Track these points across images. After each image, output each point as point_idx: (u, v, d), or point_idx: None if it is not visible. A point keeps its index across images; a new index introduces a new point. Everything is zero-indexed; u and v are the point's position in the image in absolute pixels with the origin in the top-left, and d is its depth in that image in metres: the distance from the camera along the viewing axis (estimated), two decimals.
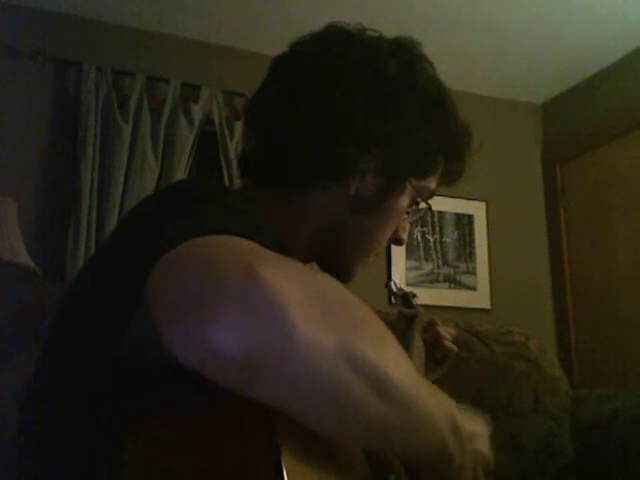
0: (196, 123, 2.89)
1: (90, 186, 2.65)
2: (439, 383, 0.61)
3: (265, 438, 0.46)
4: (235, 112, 2.98)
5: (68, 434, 0.57)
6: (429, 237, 3.31)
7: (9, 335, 1.47)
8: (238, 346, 0.42)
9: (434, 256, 3.31)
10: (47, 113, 2.77)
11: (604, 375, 3.06)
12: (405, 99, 0.79)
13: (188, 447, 0.48)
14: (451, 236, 3.36)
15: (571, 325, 3.32)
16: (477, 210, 3.40)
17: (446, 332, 1.21)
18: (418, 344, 1.14)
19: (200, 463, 0.47)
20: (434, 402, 0.56)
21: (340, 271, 0.85)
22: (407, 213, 0.86)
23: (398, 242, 0.89)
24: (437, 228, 3.34)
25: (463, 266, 3.35)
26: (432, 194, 0.87)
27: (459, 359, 1.23)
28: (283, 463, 0.44)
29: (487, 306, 3.30)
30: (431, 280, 3.27)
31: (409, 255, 3.24)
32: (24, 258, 2.15)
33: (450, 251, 3.35)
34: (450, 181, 0.89)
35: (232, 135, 2.93)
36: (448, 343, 1.19)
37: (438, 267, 3.30)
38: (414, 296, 1.31)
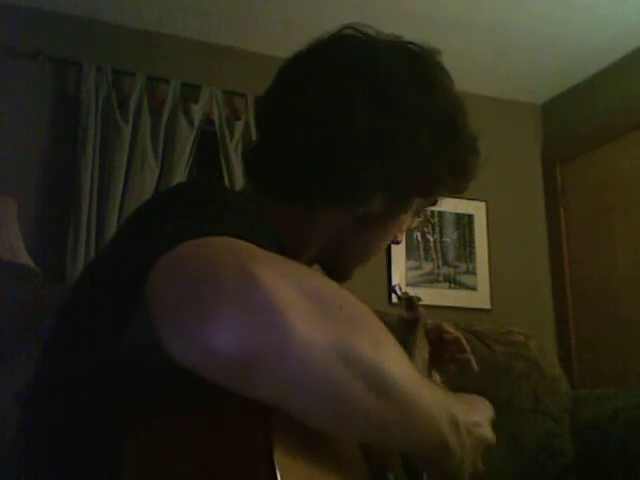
0: (196, 123, 2.89)
1: (90, 186, 2.65)
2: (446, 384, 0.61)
3: (261, 437, 0.46)
4: (235, 112, 2.98)
5: (68, 434, 0.57)
6: (429, 237, 3.31)
7: (9, 335, 1.47)
8: (235, 346, 0.42)
9: (434, 256, 3.31)
10: (47, 113, 2.77)
11: (604, 375, 3.06)
12: (415, 117, 0.77)
13: (188, 447, 0.48)
14: (451, 236, 3.36)
15: (571, 325, 3.33)
16: (477, 210, 3.40)
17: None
18: (421, 346, 1.14)
19: (200, 463, 0.47)
20: (432, 397, 0.56)
21: (338, 273, 0.85)
22: (410, 221, 0.87)
23: (396, 242, 0.90)
24: (437, 228, 3.34)
25: (463, 266, 3.35)
26: (434, 202, 0.87)
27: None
28: (277, 462, 0.45)
29: (487, 306, 3.30)
30: (431, 280, 3.27)
31: (409, 255, 3.24)
32: (24, 258, 2.15)
33: (450, 251, 3.35)
34: (456, 193, 0.88)
35: (232, 135, 2.93)
36: (474, 364, 1.19)
37: (438, 267, 3.30)
38: (419, 300, 1.31)
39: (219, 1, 2.80)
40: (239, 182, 2.83)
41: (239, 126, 2.96)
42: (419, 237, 3.29)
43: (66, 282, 2.49)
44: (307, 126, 0.77)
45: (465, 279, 3.33)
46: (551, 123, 3.62)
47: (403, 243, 2.58)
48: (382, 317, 0.54)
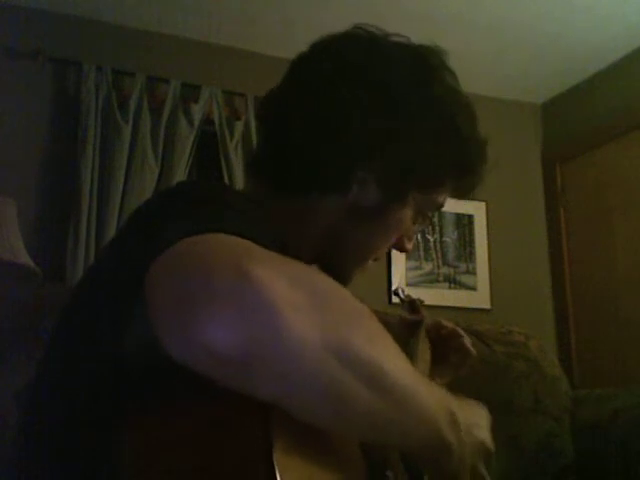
0: (196, 123, 2.89)
1: (90, 186, 2.65)
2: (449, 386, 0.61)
3: (260, 436, 0.46)
4: (235, 112, 2.98)
5: (68, 434, 0.57)
6: (429, 237, 3.31)
7: (9, 335, 1.47)
8: (230, 343, 0.43)
9: (434, 256, 3.31)
10: (47, 113, 2.77)
11: (604, 375, 3.06)
12: (414, 113, 0.78)
13: (187, 447, 0.48)
14: (451, 236, 3.36)
15: (571, 325, 3.33)
16: (477, 210, 3.40)
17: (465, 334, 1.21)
18: (423, 349, 1.14)
19: (199, 462, 0.47)
20: (430, 395, 0.56)
21: (337, 274, 0.85)
22: (414, 224, 0.85)
23: (402, 250, 0.88)
24: (437, 228, 3.34)
25: (463, 266, 3.35)
26: (439, 207, 0.85)
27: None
28: (276, 461, 0.45)
29: (487, 306, 3.30)
30: (431, 280, 3.27)
31: (409, 255, 3.23)
32: (24, 258, 2.15)
33: (450, 251, 3.35)
34: (462, 195, 0.87)
35: (232, 135, 2.93)
36: (469, 346, 1.19)
37: (438, 267, 3.30)
38: (422, 302, 1.31)
39: (219, 1, 2.80)
40: (239, 182, 2.83)
41: (239, 126, 2.95)
42: (419, 237, 3.28)
43: (66, 282, 2.49)
44: (307, 124, 0.78)
45: (465, 279, 3.33)
46: (551, 123, 3.62)
47: None
48: (382, 317, 0.54)
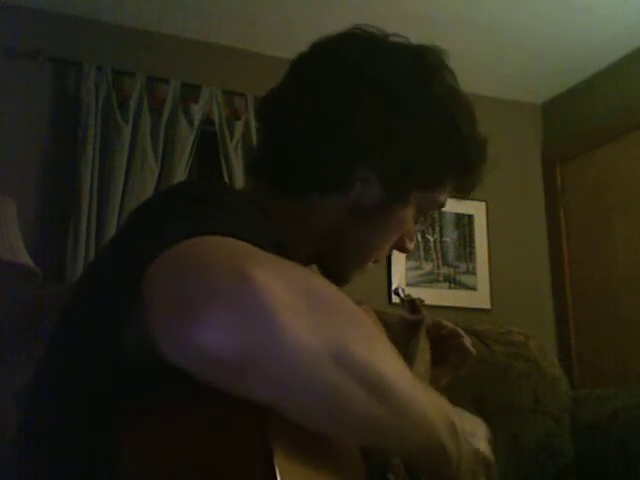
0: (196, 123, 2.89)
1: (90, 186, 2.65)
2: (448, 387, 0.61)
3: (261, 437, 0.46)
4: (235, 112, 2.98)
5: (68, 434, 0.57)
6: (429, 237, 3.31)
7: (9, 335, 1.47)
8: (227, 346, 0.42)
9: (434, 256, 3.31)
10: (47, 113, 2.77)
11: (604, 375, 3.06)
12: (415, 113, 0.78)
13: (187, 447, 0.48)
14: (451, 236, 3.36)
15: (571, 325, 3.33)
16: (477, 210, 3.40)
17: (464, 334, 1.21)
18: (424, 349, 1.14)
19: (199, 463, 0.47)
20: (429, 401, 0.56)
21: (337, 275, 0.85)
22: (415, 223, 0.85)
23: (403, 250, 0.88)
24: (437, 228, 3.34)
25: (463, 266, 3.35)
26: (440, 206, 0.85)
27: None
28: (276, 462, 0.45)
29: (487, 306, 3.30)
30: (431, 280, 3.27)
31: (409, 255, 3.23)
32: (24, 258, 2.15)
33: (450, 251, 3.35)
34: (462, 194, 0.87)
35: (232, 135, 2.93)
36: (469, 345, 1.19)
37: (438, 267, 3.30)
38: (422, 302, 1.31)
39: (219, 1, 2.80)
40: (239, 182, 2.83)
41: (239, 126, 2.95)
42: (419, 237, 3.28)
43: (66, 282, 2.49)
44: (308, 124, 0.78)
45: (465, 279, 3.33)
46: (551, 123, 3.62)
47: None
48: (382, 317, 0.54)
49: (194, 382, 0.45)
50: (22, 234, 2.23)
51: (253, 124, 2.93)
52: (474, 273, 3.35)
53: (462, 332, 1.20)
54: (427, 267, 3.28)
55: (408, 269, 3.23)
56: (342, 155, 0.77)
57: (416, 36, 0.83)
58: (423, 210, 0.84)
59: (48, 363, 0.64)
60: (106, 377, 0.55)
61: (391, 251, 0.88)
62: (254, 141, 2.91)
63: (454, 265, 3.33)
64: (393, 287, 3.02)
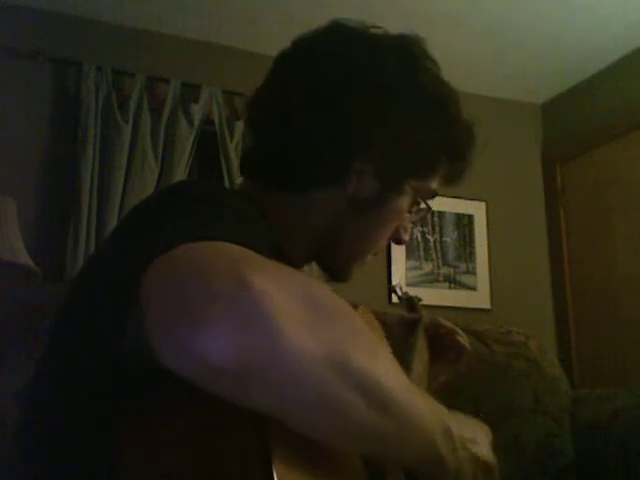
0: (196, 123, 2.89)
1: (90, 186, 2.65)
2: (447, 384, 0.61)
3: (260, 438, 0.46)
4: (235, 112, 2.98)
5: (68, 434, 0.57)
6: (429, 237, 3.31)
7: (9, 335, 1.47)
8: (227, 354, 0.42)
9: (434, 256, 3.31)
10: (47, 113, 2.77)
11: (604, 375, 3.06)
12: (404, 100, 0.78)
13: (187, 447, 0.48)
14: (451, 236, 3.36)
15: (571, 325, 3.32)
16: (477, 210, 3.40)
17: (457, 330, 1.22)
18: (421, 348, 1.14)
19: (199, 463, 0.47)
20: (426, 409, 0.56)
21: (338, 270, 0.85)
22: (409, 213, 0.86)
23: (399, 242, 0.89)
24: (437, 228, 3.34)
25: (463, 266, 3.35)
26: (434, 194, 0.86)
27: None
28: (275, 464, 0.45)
29: (487, 306, 3.30)
30: (431, 280, 3.27)
31: (409, 255, 3.24)
32: (24, 258, 2.15)
33: (450, 251, 3.35)
34: (452, 181, 0.88)
35: (232, 135, 2.93)
36: (463, 341, 1.19)
37: (438, 267, 3.30)
38: (419, 300, 1.31)
39: (219, 1, 2.80)
40: (239, 182, 2.83)
41: (239, 126, 2.96)
42: (419, 237, 3.28)
43: (66, 282, 2.49)
44: (300, 121, 0.78)
45: (465, 279, 3.33)
46: (551, 123, 3.62)
47: None
48: (382, 317, 0.54)
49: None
50: (22, 234, 2.23)
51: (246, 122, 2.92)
52: (474, 273, 3.35)
53: (458, 329, 1.20)
54: (427, 267, 3.28)
55: (408, 269, 3.23)
56: (338, 148, 0.77)
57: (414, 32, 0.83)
58: (417, 199, 0.84)
59: (48, 363, 0.64)
60: (106, 377, 0.55)
61: (389, 243, 0.88)
62: (252, 141, 2.90)
63: (454, 265, 3.33)
64: (392, 284, 3.02)
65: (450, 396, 0.63)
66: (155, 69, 2.91)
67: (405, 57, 0.80)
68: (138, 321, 0.46)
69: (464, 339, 1.20)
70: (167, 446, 0.49)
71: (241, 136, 2.95)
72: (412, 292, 1.38)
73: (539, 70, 3.32)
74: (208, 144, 2.94)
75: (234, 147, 2.92)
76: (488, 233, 3.40)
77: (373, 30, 0.83)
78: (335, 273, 0.85)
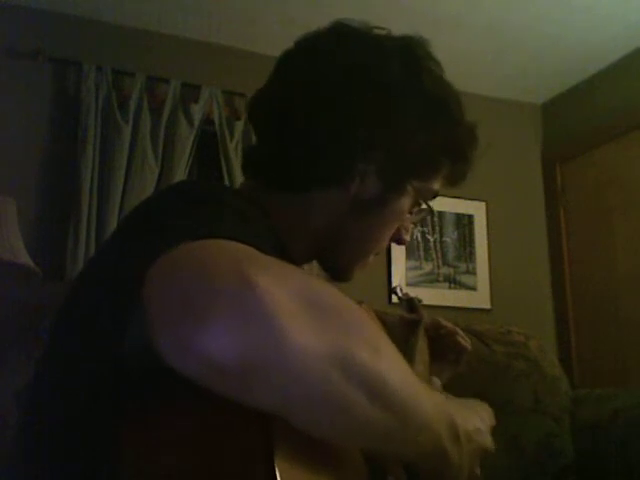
0: (196, 123, 2.89)
1: (90, 186, 2.65)
2: (448, 385, 0.61)
3: (262, 437, 0.46)
4: (235, 112, 2.98)
5: (68, 434, 0.57)
6: (429, 237, 3.31)
7: (9, 335, 1.47)
8: (229, 353, 0.42)
9: (434, 256, 3.31)
10: (47, 113, 2.77)
11: (604, 375, 3.06)
12: (408, 101, 0.79)
13: (188, 447, 0.48)
14: (451, 236, 3.36)
15: (571, 325, 3.33)
16: (477, 210, 3.40)
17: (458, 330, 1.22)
18: (422, 349, 1.14)
19: (199, 463, 0.47)
20: (432, 405, 0.56)
21: (339, 270, 0.85)
22: (410, 214, 0.86)
23: (400, 242, 0.89)
24: (437, 228, 3.34)
25: (463, 266, 3.35)
26: (435, 195, 0.86)
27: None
28: (277, 463, 0.45)
29: (487, 306, 3.30)
30: (431, 280, 3.27)
31: (409, 255, 3.24)
32: (24, 258, 2.15)
33: (450, 251, 3.35)
34: (454, 182, 0.88)
35: (232, 135, 2.93)
36: (463, 342, 1.19)
37: (438, 267, 3.30)
38: (420, 301, 1.31)
39: (219, 1, 2.80)
40: (239, 182, 2.83)
41: (239, 126, 2.96)
42: (419, 237, 3.28)
43: (66, 282, 2.49)
44: (304, 122, 0.78)
45: (465, 279, 3.33)
46: (551, 123, 3.62)
47: None
48: (382, 317, 0.54)
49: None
50: (22, 234, 2.23)
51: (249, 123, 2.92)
52: (474, 273, 3.35)
53: (458, 329, 1.21)
54: (427, 267, 3.28)
55: (408, 269, 3.23)
56: (342, 149, 0.77)
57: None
58: (419, 199, 0.85)
59: (48, 363, 0.64)
60: (106, 377, 0.55)
61: (390, 243, 0.88)
62: (254, 140, 2.90)
63: (454, 265, 3.33)
64: (392, 286, 3.02)
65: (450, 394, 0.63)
66: (155, 69, 2.91)
67: (408, 58, 0.80)
68: (140, 321, 0.46)
69: (465, 340, 1.20)
70: (167, 446, 0.49)
71: (241, 136, 2.95)
72: (412, 292, 1.38)
73: (539, 70, 3.33)
74: (208, 144, 2.94)
75: (234, 147, 2.92)
76: (488, 233, 3.40)
77: (376, 31, 0.83)
78: (336, 273, 0.85)
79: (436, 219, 3.33)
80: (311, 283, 0.49)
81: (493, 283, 3.34)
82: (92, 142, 2.69)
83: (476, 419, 0.68)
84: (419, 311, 1.27)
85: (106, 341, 0.56)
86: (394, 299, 2.75)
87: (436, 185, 0.85)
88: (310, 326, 0.45)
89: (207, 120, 2.94)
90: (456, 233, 3.37)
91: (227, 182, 2.88)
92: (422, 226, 3.28)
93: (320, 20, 0.84)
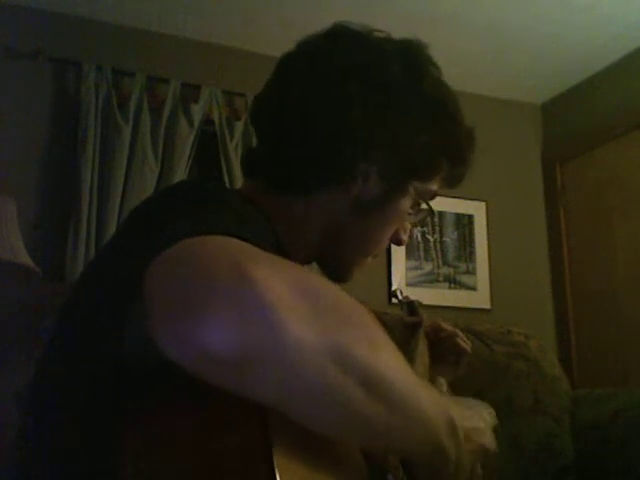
0: (196, 123, 2.89)
1: (90, 186, 2.65)
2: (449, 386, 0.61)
3: (261, 437, 0.46)
4: (235, 112, 2.98)
5: (68, 434, 0.57)
6: (429, 237, 3.31)
7: (9, 335, 1.47)
8: (229, 345, 0.42)
9: (434, 256, 3.31)
10: (47, 113, 2.77)
11: (604, 375, 3.06)
12: (409, 103, 0.79)
13: (187, 446, 0.48)
14: (451, 236, 3.36)
15: (571, 325, 3.32)
16: (477, 210, 3.40)
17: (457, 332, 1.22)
18: (422, 351, 1.14)
19: (200, 462, 0.47)
20: (430, 401, 0.56)
21: (338, 271, 0.85)
22: (409, 214, 0.86)
23: (399, 243, 0.89)
24: (437, 228, 3.34)
25: (463, 266, 3.35)
26: (434, 195, 0.87)
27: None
28: (276, 462, 0.45)
29: (487, 306, 3.30)
30: (431, 280, 3.27)
31: (409, 255, 3.24)
32: (24, 258, 2.15)
33: (450, 251, 3.35)
34: (452, 183, 0.88)
35: (232, 135, 2.93)
36: (463, 344, 1.19)
37: (438, 267, 3.30)
38: (420, 304, 1.31)
39: (219, 1, 2.80)
40: (239, 182, 2.83)
41: (239, 126, 2.95)
42: (419, 237, 3.28)
43: (66, 282, 2.49)
44: (307, 123, 0.78)
45: (465, 279, 3.33)
46: (551, 123, 3.62)
47: None
48: (381, 317, 0.54)
49: (194, 382, 0.45)
50: (22, 234, 2.23)
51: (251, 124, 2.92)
52: (474, 273, 3.35)
53: (458, 331, 1.21)
54: (427, 267, 3.28)
55: (408, 269, 3.23)
56: (344, 149, 0.77)
57: (415, 36, 0.84)
58: (418, 200, 0.85)
59: (48, 363, 0.64)
60: (106, 377, 0.55)
61: (389, 244, 0.88)
62: (254, 141, 2.90)
63: (454, 265, 3.33)
64: (392, 289, 3.02)
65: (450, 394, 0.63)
66: (155, 69, 2.91)
67: (409, 60, 0.81)
68: (139, 320, 0.46)
69: (465, 342, 1.20)
70: (167, 446, 0.49)
71: (241, 136, 2.95)
72: (412, 292, 1.38)
73: (539, 70, 3.32)
74: (208, 144, 2.94)
75: (234, 147, 2.92)
76: (488, 233, 3.40)
77: (376, 34, 0.83)
78: (336, 274, 0.85)
79: (436, 219, 3.33)
80: (309, 278, 0.49)
81: (493, 283, 3.34)
82: (92, 142, 2.69)
83: (476, 418, 0.68)
84: (419, 314, 1.27)
85: (106, 341, 0.56)
86: (394, 300, 2.75)
87: (435, 186, 0.86)
88: (307, 320, 0.45)
89: (207, 120, 2.94)
90: (456, 233, 3.37)
91: (227, 182, 2.88)
92: (422, 226, 3.28)
93: (320, 20, 0.84)
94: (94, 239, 2.60)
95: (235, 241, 0.50)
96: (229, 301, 0.43)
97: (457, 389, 0.93)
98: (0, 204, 2.15)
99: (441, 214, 3.33)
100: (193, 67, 3.00)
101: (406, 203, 0.83)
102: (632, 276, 3.03)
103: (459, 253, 3.36)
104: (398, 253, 3.18)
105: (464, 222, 3.39)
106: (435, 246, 3.32)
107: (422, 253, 3.28)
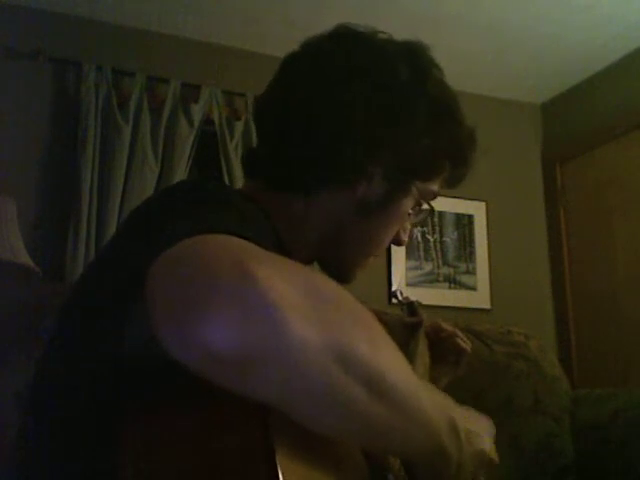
0: (196, 123, 2.89)
1: (90, 186, 2.65)
2: (449, 386, 0.61)
3: (262, 437, 0.46)
4: (235, 112, 2.98)
5: (68, 434, 0.57)
6: (429, 237, 3.31)
7: (9, 335, 1.47)
8: (230, 345, 0.42)
9: (434, 256, 3.31)
10: (47, 113, 2.77)
11: (604, 375, 3.06)
12: (412, 105, 0.79)
13: (188, 446, 0.48)
14: (451, 236, 3.36)
15: (571, 325, 3.33)
16: (477, 210, 3.40)
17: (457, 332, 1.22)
18: (423, 352, 1.14)
19: (200, 462, 0.47)
20: (431, 402, 0.56)
21: (340, 272, 0.85)
22: (409, 215, 0.86)
23: (399, 243, 0.89)
24: (437, 228, 3.34)
25: (463, 266, 3.35)
26: (435, 196, 0.87)
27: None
28: (278, 461, 0.45)
29: (487, 306, 3.30)
30: (431, 280, 3.27)
31: (409, 255, 3.24)
32: (24, 258, 2.15)
33: (450, 251, 3.35)
34: (453, 183, 0.89)
35: (232, 135, 2.93)
36: (463, 344, 1.19)
37: (438, 267, 3.30)
38: (420, 304, 1.31)
39: (219, 1, 2.80)
40: (239, 182, 2.83)
41: (239, 126, 2.95)
42: (419, 237, 3.28)
43: (66, 282, 2.49)
44: (312, 124, 0.78)
45: (465, 279, 3.33)
46: (551, 123, 3.62)
47: None
48: (381, 316, 0.54)
49: (194, 381, 0.45)
50: (22, 234, 2.23)
51: (253, 124, 2.92)
52: (474, 273, 3.35)
53: (458, 332, 1.21)
54: (427, 267, 3.28)
55: (408, 269, 3.23)
56: (350, 150, 0.77)
57: (416, 36, 0.84)
58: (419, 201, 0.85)
59: (48, 363, 0.64)
60: (106, 377, 0.55)
61: (390, 245, 0.88)
62: (254, 141, 2.91)
63: (454, 265, 3.33)
64: (392, 289, 3.02)
65: (450, 396, 0.63)
66: (155, 69, 2.91)
67: (412, 62, 0.81)
68: (140, 320, 0.46)
69: (464, 342, 1.20)
70: (167, 446, 0.49)
71: (241, 136, 2.95)
72: (412, 292, 1.38)
73: (539, 70, 3.33)
74: (208, 144, 2.94)
75: (234, 147, 2.92)
76: (488, 233, 3.40)
77: (380, 35, 0.83)
78: (338, 274, 0.85)
79: (436, 219, 3.33)
80: (311, 277, 0.49)
81: (493, 283, 3.34)
82: (92, 142, 2.69)
83: (476, 425, 0.67)
84: (419, 314, 1.27)
85: (106, 341, 0.56)
86: (394, 301, 2.75)
87: (436, 186, 0.86)
88: (310, 319, 0.45)
89: (207, 120, 2.94)
90: (456, 233, 3.37)
91: (227, 182, 2.88)
92: (422, 226, 3.28)
93: (321, 20, 0.84)
94: (94, 239, 2.60)
95: (236, 240, 0.50)
96: (231, 299, 0.43)
97: (457, 389, 0.92)
98: (0, 204, 2.15)
99: (441, 214, 3.33)
100: (193, 67, 3.00)
101: (408, 203, 0.83)
102: (632, 276, 3.03)
103: (459, 253, 3.36)
104: (398, 253, 3.18)
105: (464, 222, 3.39)
106: (435, 246, 3.32)
107: (422, 253, 3.28)
